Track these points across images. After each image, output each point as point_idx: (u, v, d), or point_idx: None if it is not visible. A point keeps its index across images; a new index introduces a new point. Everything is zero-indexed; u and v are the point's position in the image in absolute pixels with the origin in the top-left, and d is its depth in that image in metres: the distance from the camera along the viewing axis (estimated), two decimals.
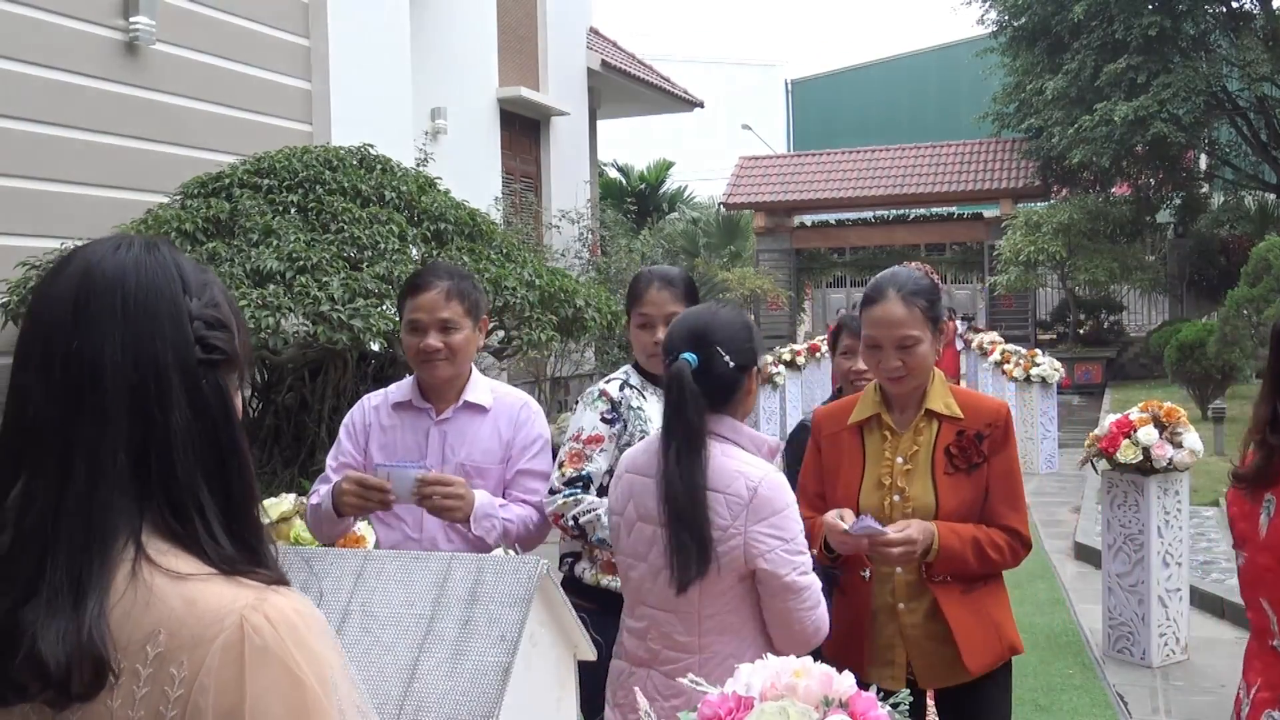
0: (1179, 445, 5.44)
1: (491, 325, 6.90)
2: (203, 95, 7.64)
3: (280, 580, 1.12)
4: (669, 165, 27.09)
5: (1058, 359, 12.66)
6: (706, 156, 31.74)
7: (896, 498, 2.66)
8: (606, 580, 2.90)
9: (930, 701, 2.78)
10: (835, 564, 2.67)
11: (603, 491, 2.81)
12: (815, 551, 2.53)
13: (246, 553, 1.12)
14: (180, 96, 7.47)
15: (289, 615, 1.07)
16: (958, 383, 16.83)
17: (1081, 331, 21.61)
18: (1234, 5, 20.00)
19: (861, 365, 3.45)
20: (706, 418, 2.28)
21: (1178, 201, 22.31)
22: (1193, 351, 13.77)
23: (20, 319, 5.90)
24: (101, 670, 1.03)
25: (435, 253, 6.40)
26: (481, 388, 2.91)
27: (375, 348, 6.09)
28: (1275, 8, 19.61)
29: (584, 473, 2.84)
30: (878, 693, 1.35)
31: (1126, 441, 5.46)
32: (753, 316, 22.90)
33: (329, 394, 6.34)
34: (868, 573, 2.66)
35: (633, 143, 27.28)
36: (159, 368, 1.10)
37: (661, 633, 2.33)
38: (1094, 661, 5.56)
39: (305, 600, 1.11)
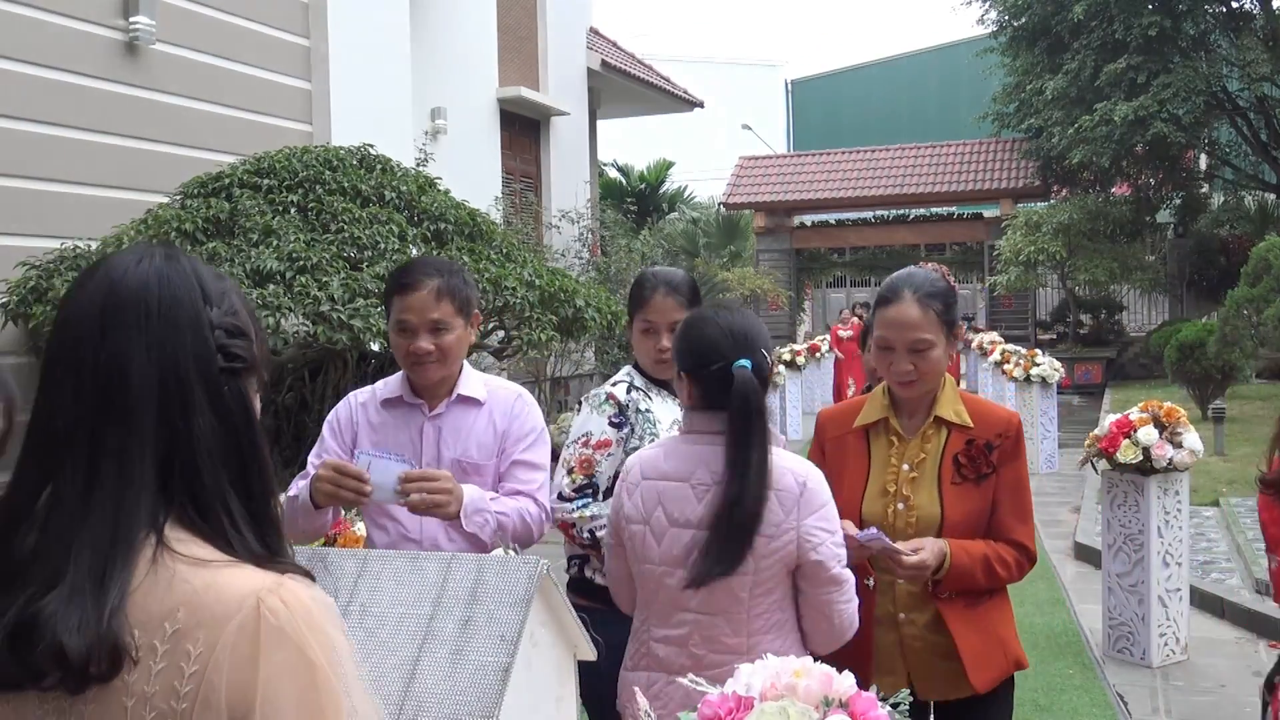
0: (1179, 445, 5.44)
1: (491, 325, 6.90)
2: (203, 95, 7.64)
3: (298, 571, 1.16)
4: (669, 165, 27.10)
5: (1058, 359, 12.66)
6: (706, 156, 31.76)
7: (900, 506, 2.58)
8: None
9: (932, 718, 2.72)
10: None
11: (606, 495, 2.80)
12: None
13: (267, 546, 1.17)
14: (180, 96, 7.47)
15: (305, 600, 1.12)
16: (957, 383, 17.00)
17: (1082, 331, 21.62)
18: (1234, 5, 20.00)
19: None
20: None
21: (1178, 201, 22.32)
22: (1193, 351, 13.77)
23: (20, 319, 5.91)
24: (119, 657, 1.06)
25: (435, 253, 6.40)
26: (474, 381, 2.81)
27: (375, 348, 6.09)
28: (1275, 8, 19.61)
29: (595, 480, 2.82)
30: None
31: (1126, 441, 5.46)
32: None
33: (329, 394, 6.34)
34: (871, 581, 2.59)
35: (633, 143, 27.30)
36: (183, 376, 1.15)
37: (706, 636, 2.29)
38: (1094, 661, 5.56)
39: (319, 590, 1.15)
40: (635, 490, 2.39)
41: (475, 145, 12.24)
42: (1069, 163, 19.81)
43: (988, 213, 23.50)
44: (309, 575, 1.17)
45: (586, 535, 2.79)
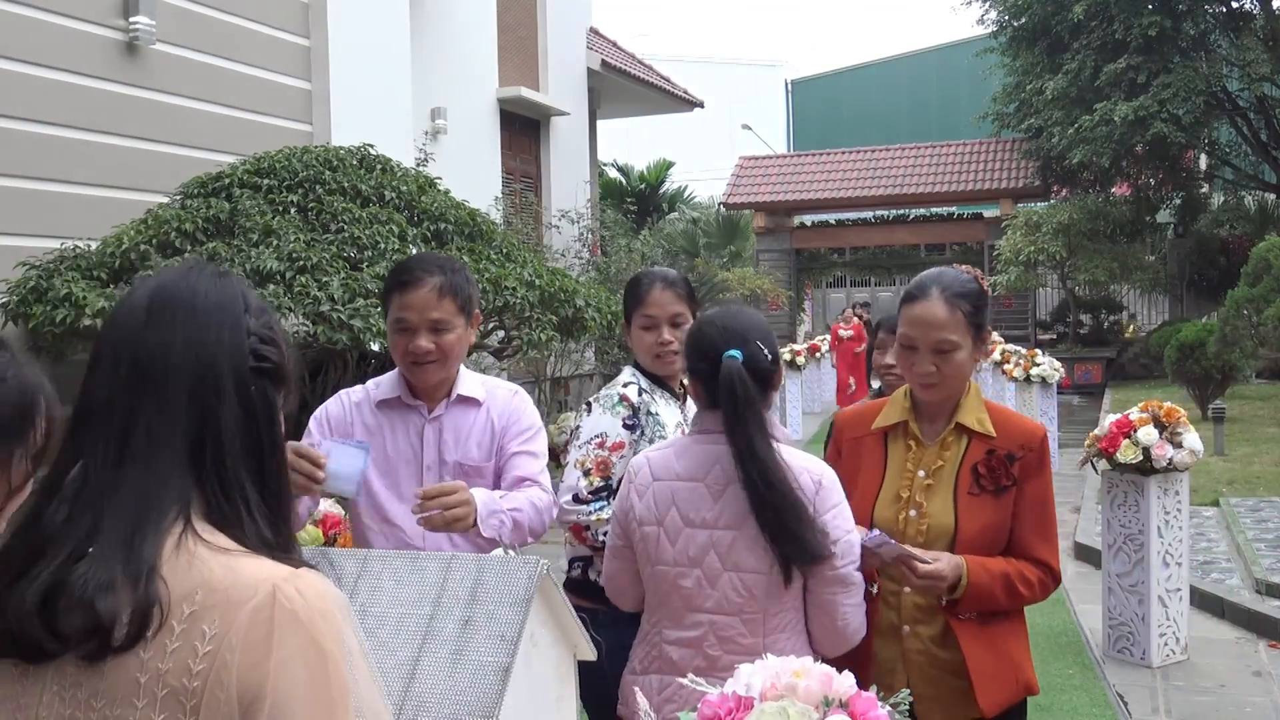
0: (1179, 445, 5.44)
1: (491, 325, 6.90)
2: (203, 95, 7.64)
3: (309, 566, 1.20)
4: (669, 165, 27.10)
5: (1058, 359, 12.66)
6: (706, 156, 31.77)
7: (913, 513, 2.47)
8: None
9: None
10: None
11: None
12: None
13: (279, 539, 1.22)
14: (180, 96, 7.47)
15: (320, 591, 1.16)
16: None
17: (1082, 331, 21.63)
18: (1234, 5, 20.01)
19: (890, 359, 3.37)
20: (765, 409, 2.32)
21: (1178, 201, 22.33)
22: (1193, 351, 13.77)
23: (20, 319, 5.91)
24: (148, 617, 1.10)
25: (447, 255, 6.40)
26: (472, 381, 2.73)
27: (375, 348, 6.08)
28: (1275, 8, 19.61)
29: (611, 482, 2.79)
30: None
31: (1126, 441, 5.46)
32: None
33: (329, 394, 6.32)
34: (875, 588, 2.46)
35: (633, 143, 27.32)
36: (216, 369, 1.23)
37: (721, 637, 2.29)
38: (1094, 661, 5.57)
39: (333, 585, 1.20)
40: (646, 491, 2.38)
41: (475, 145, 12.23)
42: (1069, 163, 19.82)
43: (988, 213, 23.51)
44: (315, 569, 1.20)
45: (602, 538, 2.74)
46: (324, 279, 5.65)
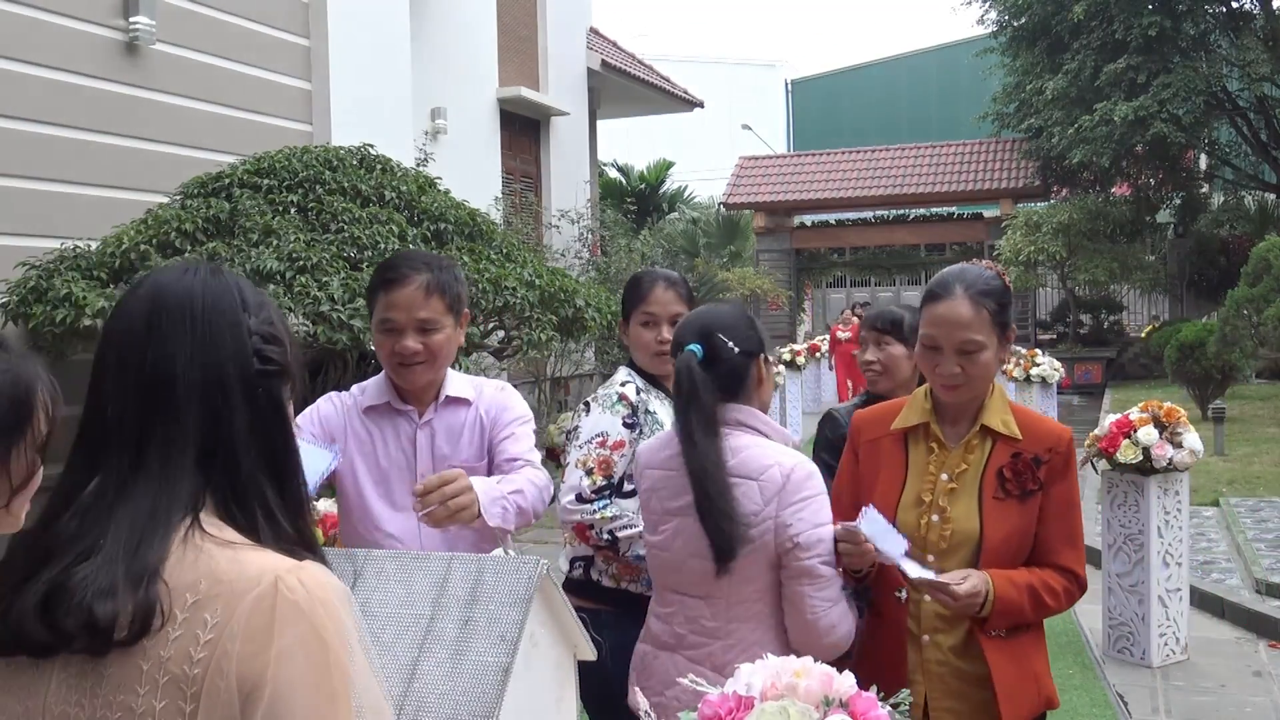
0: (1179, 445, 5.45)
1: (491, 325, 6.89)
2: (203, 95, 7.64)
3: (319, 560, 1.22)
4: (669, 165, 27.09)
5: (1058, 359, 12.66)
6: (706, 156, 31.77)
7: (935, 518, 2.38)
8: (626, 583, 2.86)
9: None
10: (862, 580, 2.42)
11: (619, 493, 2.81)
12: (839, 570, 2.38)
13: (298, 531, 1.25)
14: (180, 96, 7.47)
15: (323, 583, 1.17)
16: None
17: (1082, 331, 21.63)
18: (1234, 5, 20.01)
19: (870, 356, 3.36)
20: (719, 403, 2.34)
21: (1178, 201, 22.33)
22: (1193, 351, 13.77)
23: (20, 319, 5.91)
24: (150, 614, 1.11)
25: (435, 252, 6.40)
26: (460, 381, 2.66)
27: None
28: (1275, 8, 19.61)
29: (614, 481, 2.79)
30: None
31: (1126, 441, 5.46)
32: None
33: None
34: (903, 593, 2.39)
35: (633, 143, 27.31)
36: (223, 377, 1.24)
37: (688, 617, 2.37)
38: (1094, 661, 5.57)
39: (337, 578, 1.21)
40: (641, 477, 2.52)
41: (475, 145, 12.23)
42: (1069, 163, 19.82)
43: (988, 213, 23.50)
44: (327, 565, 1.22)
45: (606, 536, 2.76)
46: (324, 279, 5.65)
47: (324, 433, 2.60)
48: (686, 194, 28.21)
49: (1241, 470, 10.29)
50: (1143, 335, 21.05)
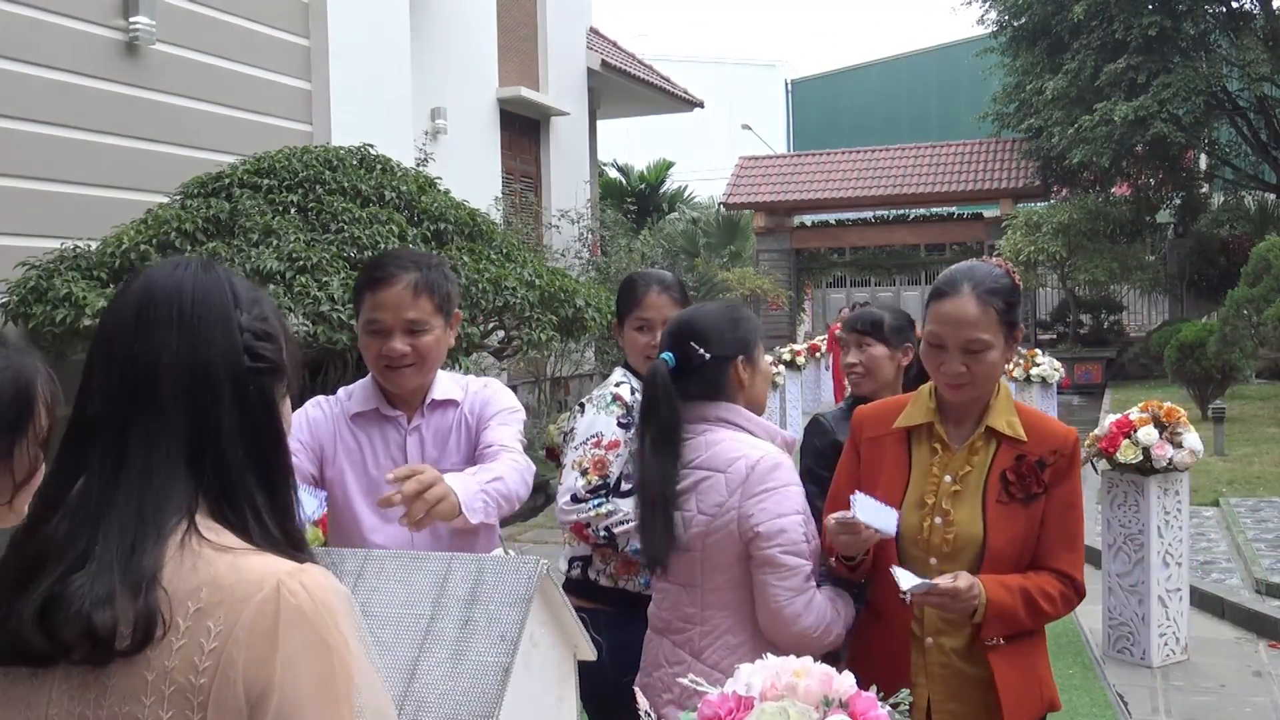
0: (1179, 445, 5.44)
1: (491, 325, 6.90)
2: (203, 95, 7.64)
3: (313, 561, 1.21)
4: (669, 165, 27.09)
5: (1058, 359, 12.66)
6: (706, 156, 31.75)
7: (938, 520, 2.33)
8: (624, 581, 2.87)
9: None
10: (854, 570, 2.40)
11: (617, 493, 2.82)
12: (834, 562, 2.40)
13: (287, 536, 1.22)
14: (180, 96, 7.47)
15: (325, 586, 1.16)
16: None
17: (1082, 331, 21.62)
18: (1234, 5, 20.00)
19: (852, 358, 3.35)
20: (702, 403, 2.42)
21: (1178, 201, 22.31)
22: (1193, 351, 13.77)
23: (20, 319, 5.91)
24: (152, 624, 1.10)
25: (435, 253, 6.40)
26: (447, 383, 2.55)
27: None
28: (1275, 8, 19.61)
29: (609, 480, 2.79)
30: None
31: (1126, 441, 5.46)
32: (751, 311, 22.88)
33: (329, 394, 6.33)
34: (907, 596, 2.30)
35: (633, 143, 27.30)
36: (211, 372, 1.21)
37: (673, 604, 2.44)
38: (1094, 661, 5.56)
39: (337, 581, 1.20)
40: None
41: (475, 145, 12.24)
42: (1069, 163, 19.81)
43: (988, 213, 23.48)
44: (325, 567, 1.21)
45: (603, 533, 2.77)
46: (324, 279, 5.65)
47: (314, 439, 2.51)
48: (686, 194, 28.20)
49: (1241, 470, 10.29)
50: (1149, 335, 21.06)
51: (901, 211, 24.68)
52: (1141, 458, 5.44)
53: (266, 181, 6.27)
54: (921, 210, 24.65)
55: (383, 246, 5.97)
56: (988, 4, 21.44)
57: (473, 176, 11.33)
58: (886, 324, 3.32)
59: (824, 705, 1.33)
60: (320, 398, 2.61)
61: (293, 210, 6.12)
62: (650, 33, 63.81)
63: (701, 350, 2.41)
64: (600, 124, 16.51)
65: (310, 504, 2.14)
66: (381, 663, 1.49)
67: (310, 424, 2.53)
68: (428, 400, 2.52)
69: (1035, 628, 2.36)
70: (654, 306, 2.96)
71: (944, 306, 2.33)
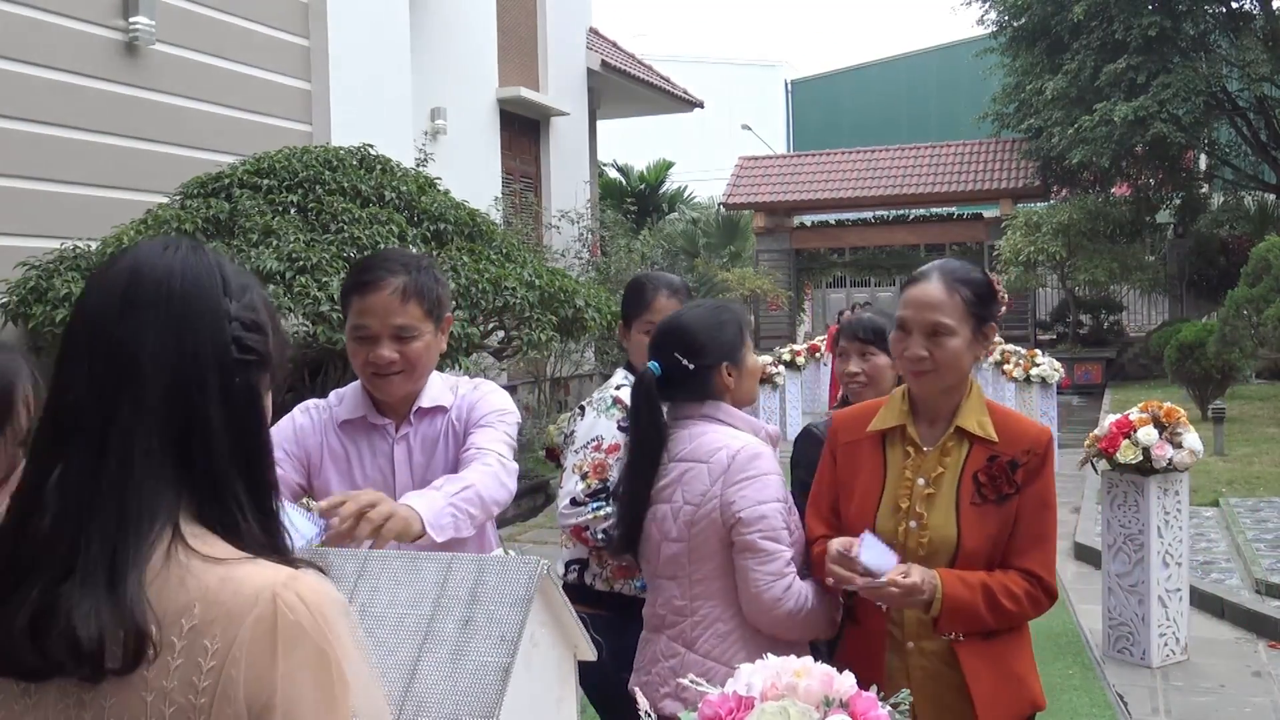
0: (1179, 445, 5.44)
1: (491, 325, 6.90)
2: (203, 95, 7.64)
3: (309, 566, 1.17)
4: (669, 165, 27.09)
5: (1057, 359, 12.66)
6: (706, 156, 31.76)
7: (913, 524, 2.32)
8: (620, 585, 2.87)
9: None
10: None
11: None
12: (825, 579, 2.36)
13: (270, 538, 1.18)
14: (180, 96, 7.47)
15: (320, 595, 1.13)
16: None
17: (1081, 332, 21.63)
18: (1234, 5, 20.01)
19: (854, 367, 3.35)
20: (663, 423, 2.51)
21: (1178, 201, 22.32)
22: (1193, 351, 13.77)
23: (20, 319, 5.91)
24: (143, 645, 1.06)
25: (435, 253, 6.40)
26: (438, 387, 2.45)
27: None
28: (1275, 8, 19.62)
29: (608, 484, 2.78)
30: None
31: (1126, 442, 5.46)
32: (749, 313, 23.00)
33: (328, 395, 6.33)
34: (883, 603, 2.33)
35: (633, 143, 27.29)
36: (196, 363, 1.15)
37: (664, 598, 2.49)
38: (1094, 661, 5.56)
39: (331, 584, 1.16)
40: None
41: (475, 145, 12.24)
42: (1069, 163, 19.82)
43: (987, 213, 23.50)
44: (320, 569, 1.17)
45: (601, 536, 2.77)
46: (324, 279, 5.65)
47: (300, 449, 2.43)
48: (686, 194, 28.21)
49: (1241, 470, 10.29)
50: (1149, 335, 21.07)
51: (901, 212, 24.68)
52: (1141, 458, 5.44)
53: (266, 182, 6.27)
54: (921, 210, 24.66)
55: (382, 246, 5.97)
56: (987, 4, 21.46)
57: (473, 176, 11.33)
58: (890, 332, 3.29)
59: (824, 705, 1.33)
60: (310, 402, 2.54)
61: (293, 210, 6.12)
62: (650, 33, 63.79)
63: (686, 361, 2.48)
64: (600, 124, 16.51)
65: (309, 530, 2.04)
66: (381, 663, 1.49)
67: (297, 432, 2.45)
68: (415, 408, 2.42)
69: (999, 626, 2.31)
70: (662, 311, 2.92)
71: (912, 291, 2.37)
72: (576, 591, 2.89)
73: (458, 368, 6.26)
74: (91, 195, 6.81)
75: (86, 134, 6.84)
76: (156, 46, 7.25)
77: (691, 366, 2.48)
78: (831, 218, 25.61)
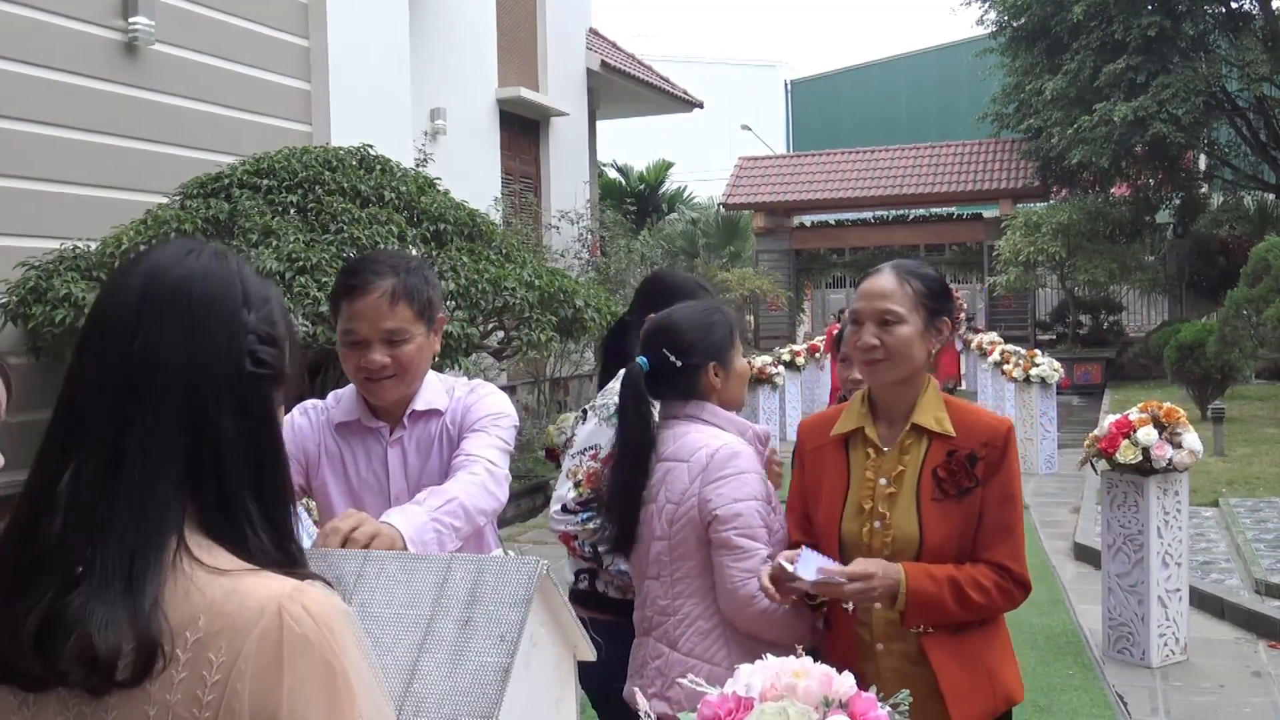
0: (1178, 445, 5.44)
1: (491, 325, 6.89)
2: (203, 95, 7.64)
3: (315, 578, 1.15)
4: (669, 165, 27.09)
5: (1057, 359, 12.66)
6: (706, 156, 31.76)
7: (877, 524, 2.33)
8: (631, 593, 2.85)
9: None
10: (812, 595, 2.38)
11: None
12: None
13: (283, 552, 1.16)
14: (180, 96, 7.47)
15: (325, 607, 1.11)
16: (959, 383, 16.82)
17: (1081, 332, 21.63)
18: (1234, 5, 20.01)
19: (858, 375, 3.35)
20: (651, 419, 2.52)
21: (1177, 202, 22.32)
22: (1192, 352, 13.77)
23: (20, 319, 5.91)
24: (153, 656, 1.05)
25: (435, 253, 6.40)
26: (433, 389, 2.42)
27: None
28: (1275, 8, 19.61)
29: (601, 493, 2.75)
30: None
31: (1126, 442, 5.46)
32: (748, 315, 22.99)
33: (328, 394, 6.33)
34: (850, 605, 2.34)
35: (633, 143, 27.29)
36: (211, 375, 1.14)
37: (650, 600, 2.52)
38: (1094, 662, 5.57)
39: (337, 596, 1.15)
40: None
41: (475, 145, 12.24)
42: (1068, 163, 19.81)
43: (987, 213, 23.49)
44: (325, 581, 1.15)
45: (589, 549, 2.75)
46: (324, 279, 5.65)
47: (298, 449, 2.41)
48: (686, 194, 28.20)
49: (1241, 470, 10.29)
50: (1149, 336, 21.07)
51: (901, 212, 24.68)
52: (1141, 458, 5.44)
53: (266, 182, 6.27)
54: (921, 211, 24.66)
55: (382, 247, 5.97)
56: (987, 4, 21.45)
57: (472, 177, 11.33)
58: None
59: (824, 706, 1.33)
60: (309, 403, 2.52)
61: (292, 211, 6.12)
62: (649, 33, 63.85)
63: (674, 358, 2.50)
64: (600, 124, 16.50)
65: (304, 543, 2.04)
66: (381, 663, 1.49)
67: (295, 432, 2.43)
68: (409, 411, 2.39)
69: (969, 618, 2.30)
70: None
71: (865, 284, 2.44)
72: (588, 599, 2.87)
73: (457, 368, 6.26)
74: (91, 195, 6.80)
75: (86, 134, 6.84)
76: (156, 47, 7.24)
77: (679, 364, 2.50)
78: (831, 218, 25.60)
